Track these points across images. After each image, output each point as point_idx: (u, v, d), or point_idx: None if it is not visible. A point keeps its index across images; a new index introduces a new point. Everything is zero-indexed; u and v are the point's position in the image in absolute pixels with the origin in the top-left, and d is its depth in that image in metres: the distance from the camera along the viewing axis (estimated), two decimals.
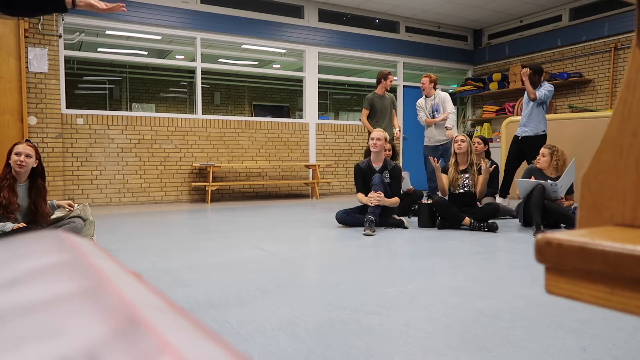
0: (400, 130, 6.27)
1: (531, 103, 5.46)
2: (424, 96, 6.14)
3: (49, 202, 3.25)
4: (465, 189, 4.49)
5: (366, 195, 4.44)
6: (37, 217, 3.09)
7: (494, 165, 4.66)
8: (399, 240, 3.87)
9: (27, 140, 3.13)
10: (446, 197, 4.55)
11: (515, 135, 5.67)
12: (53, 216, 3.28)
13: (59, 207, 3.27)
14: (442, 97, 6.02)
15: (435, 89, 6.07)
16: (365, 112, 6.15)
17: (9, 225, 2.91)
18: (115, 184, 6.64)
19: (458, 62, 9.82)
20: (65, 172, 6.33)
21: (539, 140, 5.33)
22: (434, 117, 6.03)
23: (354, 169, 4.72)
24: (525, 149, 5.48)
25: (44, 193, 3.15)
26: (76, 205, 3.39)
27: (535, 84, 5.44)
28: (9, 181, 2.97)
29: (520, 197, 4.43)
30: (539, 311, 2.04)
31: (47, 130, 6.18)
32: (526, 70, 5.50)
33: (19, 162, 2.99)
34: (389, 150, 5.05)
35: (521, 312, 2.03)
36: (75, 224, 3.16)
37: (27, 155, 3.02)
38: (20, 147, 3.01)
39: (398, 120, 6.39)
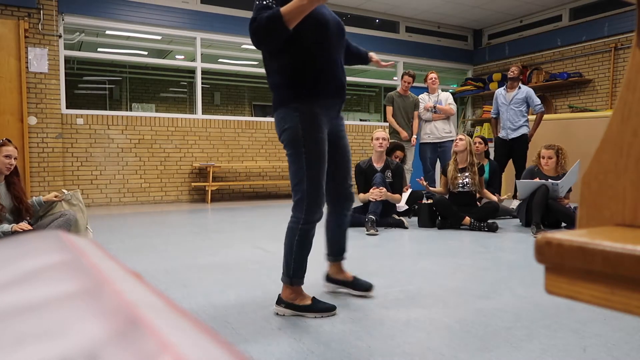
0: (416, 138, 6.22)
1: (522, 107, 5.79)
2: (426, 92, 6.20)
3: (35, 198, 3.24)
4: (465, 187, 4.49)
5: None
6: (22, 213, 3.08)
7: (480, 165, 4.66)
8: (399, 240, 3.87)
9: (7, 140, 3.09)
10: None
11: (501, 138, 5.92)
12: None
13: (46, 202, 3.24)
14: (446, 95, 6.10)
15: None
16: (388, 109, 6.14)
17: (6, 226, 2.90)
18: (115, 184, 6.64)
19: (458, 62, 9.81)
20: (65, 172, 6.33)
21: (526, 140, 5.79)
22: (435, 113, 6.05)
23: (355, 169, 4.65)
24: (514, 148, 5.84)
25: (22, 188, 3.17)
26: (66, 191, 3.37)
27: (515, 87, 5.87)
28: None
29: (520, 197, 4.42)
30: (539, 311, 2.04)
31: (47, 130, 6.17)
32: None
33: (8, 165, 3.00)
34: (398, 158, 5.04)
35: (521, 312, 2.03)
36: (67, 216, 3.16)
37: (15, 157, 3.05)
38: (9, 150, 3.00)
39: (416, 124, 6.16)
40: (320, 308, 2.01)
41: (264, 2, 1.83)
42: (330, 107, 2.01)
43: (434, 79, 6.08)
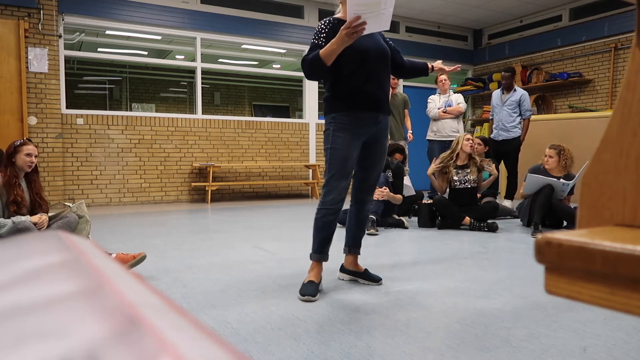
0: (412, 133, 6.24)
1: (516, 109, 5.82)
2: (437, 92, 6.22)
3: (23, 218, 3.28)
4: (466, 184, 4.48)
5: None
6: (40, 207, 3.19)
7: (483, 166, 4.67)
8: (399, 240, 3.87)
9: (28, 140, 3.21)
10: (445, 195, 4.55)
11: (492, 138, 5.98)
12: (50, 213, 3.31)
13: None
14: (456, 97, 6.15)
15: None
16: None
17: (27, 221, 2.97)
18: (115, 184, 6.64)
19: (458, 62, 9.81)
20: (65, 172, 6.33)
21: (518, 142, 5.84)
22: (444, 112, 6.10)
23: None
24: (505, 150, 5.89)
25: (41, 186, 3.32)
26: (70, 204, 3.42)
27: (511, 87, 5.87)
28: (17, 180, 3.09)
29: (525, 191, 4.38)
30: (539, 311, 2.04)
31: (47, 130, 6.17)
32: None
33: (29, 163, 3.13)
34: (397, 161, 5.00)
35: (521, 312, 2.03)
36: (69, 218, 3.21)
37: (35, 156, 3.19)
38: (29, 149, 3.15)
39: (410, 121, 6.24)
40: (303, 291, 2.26)
41: (316, 42, 2.30)
42: (364, 118, 2.37)
43: (443, 80, 6.11)
